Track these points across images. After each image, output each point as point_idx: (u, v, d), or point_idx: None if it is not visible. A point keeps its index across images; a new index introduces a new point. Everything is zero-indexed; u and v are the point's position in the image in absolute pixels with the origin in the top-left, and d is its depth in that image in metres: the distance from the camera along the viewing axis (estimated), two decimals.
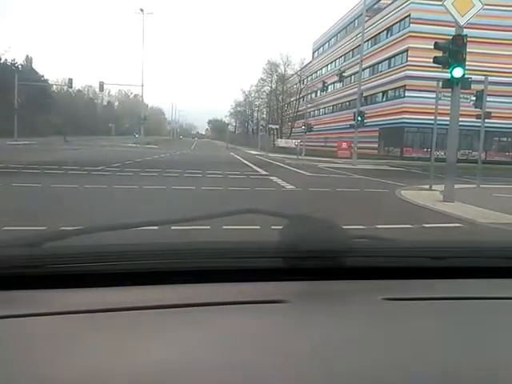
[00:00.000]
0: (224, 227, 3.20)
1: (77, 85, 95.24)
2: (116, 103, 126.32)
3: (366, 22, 46.73)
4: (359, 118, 23.79)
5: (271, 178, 13.66)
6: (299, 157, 26.59)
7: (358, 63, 32.86)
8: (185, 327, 0.66)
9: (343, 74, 30.84)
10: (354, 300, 0.78)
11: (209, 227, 3.51)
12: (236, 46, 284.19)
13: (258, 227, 3.20)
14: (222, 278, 0.81)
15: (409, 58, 37.62)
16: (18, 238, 0.81)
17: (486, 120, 35.42)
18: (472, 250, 0.96)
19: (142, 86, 44.98)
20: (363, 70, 43.04)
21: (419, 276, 0.87)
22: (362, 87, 46.92)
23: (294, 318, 0.70)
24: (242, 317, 0.70)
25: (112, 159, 18.09)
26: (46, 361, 0.56)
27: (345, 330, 0.67)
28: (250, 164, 21.21)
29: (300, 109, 51.28)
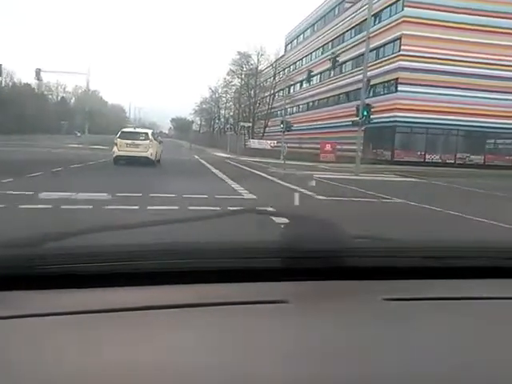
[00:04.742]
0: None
1: (29, 79, 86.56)
2: (72, 99, 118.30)
3: (349, 8, 42.03)
4: (365, 113, 17.92)
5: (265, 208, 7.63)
6: (282, 162, 20.65)
7: (337, 55, 27.16)
8: (184, 327, 0.66)
9: (337, 59, 24.97)
10: (355, 300, 0.78)
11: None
12: (202, 41, 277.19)
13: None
14: (221, 278, 0.80)
15: (402, 47, 32.56)
16: (16, 239, 0.80)
17: (480, 119, 30.56)
18: (473, 250, 0.95)
19: (88, 74, 37.96)
20: (344, 62, 38.36)
21: (420, 276, 0.86)
22: (343, 82, 42.37)
23: (294, 318, 0.71)
24: (242, 317, 0.70)
25: (37, 165, 12.74)
26: (45, 361, 0.56)
27: (345, 331, 0.67)
28: (220, 174, 15.16)
29: (275, 105, 45.50)
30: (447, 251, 0.93)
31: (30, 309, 0.68)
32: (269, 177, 15.42)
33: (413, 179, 17.74)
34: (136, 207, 6.91)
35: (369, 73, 35.11)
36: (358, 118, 18.38)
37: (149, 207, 7.04)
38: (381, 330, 0.67)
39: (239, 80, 47.33)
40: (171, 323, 0.67)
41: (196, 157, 29.43)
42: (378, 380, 0.54)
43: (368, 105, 18.40)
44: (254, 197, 9.30)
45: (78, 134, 47.00)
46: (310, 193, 10.52)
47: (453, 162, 32.42)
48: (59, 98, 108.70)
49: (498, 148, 34.26)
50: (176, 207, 6.90)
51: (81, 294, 0.75)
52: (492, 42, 31.95)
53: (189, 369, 0.54)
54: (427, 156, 32.65)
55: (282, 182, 13.45)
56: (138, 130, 19.16)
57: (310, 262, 0.80)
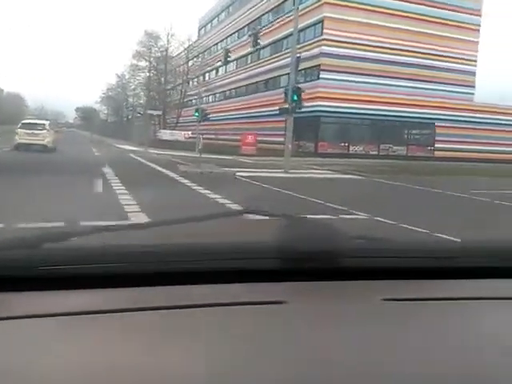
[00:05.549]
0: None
1: None
2: None
3: None
4: (295, 98, 14.89)
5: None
6: (198, 155, 17.17)
7: (258, 32, 24.00)
8: (183, 328, 0.66)
9: (258, 36, 21.75)
10: (354, 301, 0.78)
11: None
12: (109, 23, 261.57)
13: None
14: (220, 279, 0.80)
15: (324, 31, 30.32)
16: (15, 239, 0.79)
17: (402, 109, 29.08)
18: (472, 250, 0.95)
19: None
20: (263, 48, 35.53)
21: (419, 276, 0.86)
22: (262, 69, 39.63)
23: (293, 318, 0.71)
24: (241, 318, 0.70)
25: None
26: (45, 362, 0.56)
27: (344, 331, 0.67)
28: (111, 176, 11.31)
29: (190, 93, 41.44)
30: (446, 251, 0.92)
31: (30, 310, 0.68)
32: (180, 178, 11.83)
33: (353, 176, 15.16)
34: None
35: (287, 59, 32.63)
36: (286, 105, 15.28)
37: None
38: (380, 330, 0.67)
39: (147, 63, 42.50)
40: (169, 324, 0.67)
41: (94, 150, 24.88)
42: (377, 380, 0.54)
43: (299, 88, 15.39)
44: (149, 220, 5.81)
45: None
46: (236, 206, 7.24)
47: (376, 153, 31.03)
48: None
49: (418, 139, 33.51)
50: None
51: (81, 295, 0.74)
52: (416, 29, 30.84)
53: (188, 369, 0.54)
54: (351, 147, 30.96)
55: (196, 187, 9.98)
56: (36, 121, 23.03)
57: (309, 263, 0.79)
